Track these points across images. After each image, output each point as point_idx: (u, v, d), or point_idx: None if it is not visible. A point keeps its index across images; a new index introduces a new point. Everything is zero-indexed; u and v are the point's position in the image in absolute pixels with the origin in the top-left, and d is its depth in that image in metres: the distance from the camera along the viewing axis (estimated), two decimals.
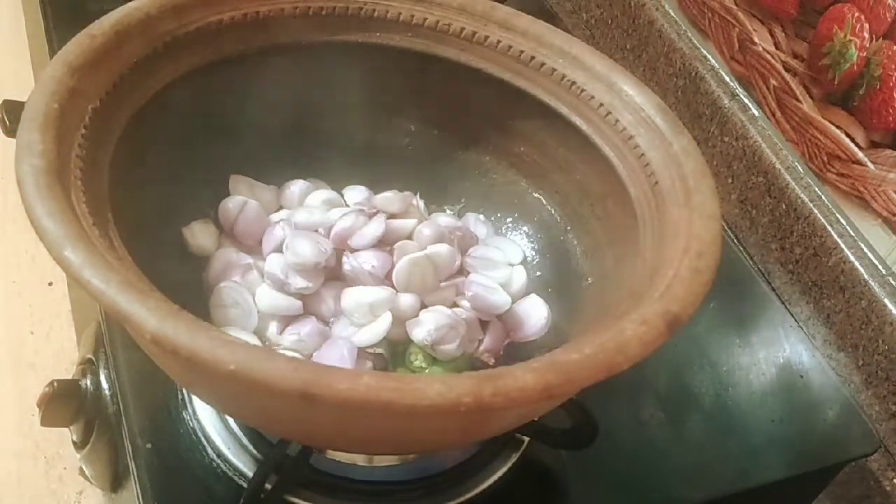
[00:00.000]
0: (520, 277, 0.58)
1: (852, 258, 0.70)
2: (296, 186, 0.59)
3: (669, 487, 0.58)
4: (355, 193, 0.60)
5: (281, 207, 0.59)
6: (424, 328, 0.52)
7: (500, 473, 0.55)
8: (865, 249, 0.69)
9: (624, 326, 0.40)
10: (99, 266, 0.37)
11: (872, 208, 0.69)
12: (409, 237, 0.57)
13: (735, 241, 0.79)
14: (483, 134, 0.60)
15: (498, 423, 0.45)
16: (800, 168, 0.75)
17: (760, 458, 0.61)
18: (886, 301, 0.67)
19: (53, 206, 0.39)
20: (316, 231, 0.55)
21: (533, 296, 0.57)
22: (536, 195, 0.59)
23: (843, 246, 0.70)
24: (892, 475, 0.68)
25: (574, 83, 0.54)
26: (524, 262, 0.59)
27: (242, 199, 0.56)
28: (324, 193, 0.59)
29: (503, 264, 0.58)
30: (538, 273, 0.59)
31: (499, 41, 0.56)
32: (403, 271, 0.54)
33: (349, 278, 0.54)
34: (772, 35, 0.76)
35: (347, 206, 0.59)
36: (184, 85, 0.51)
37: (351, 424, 0.41)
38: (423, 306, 0.54)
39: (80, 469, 0.62)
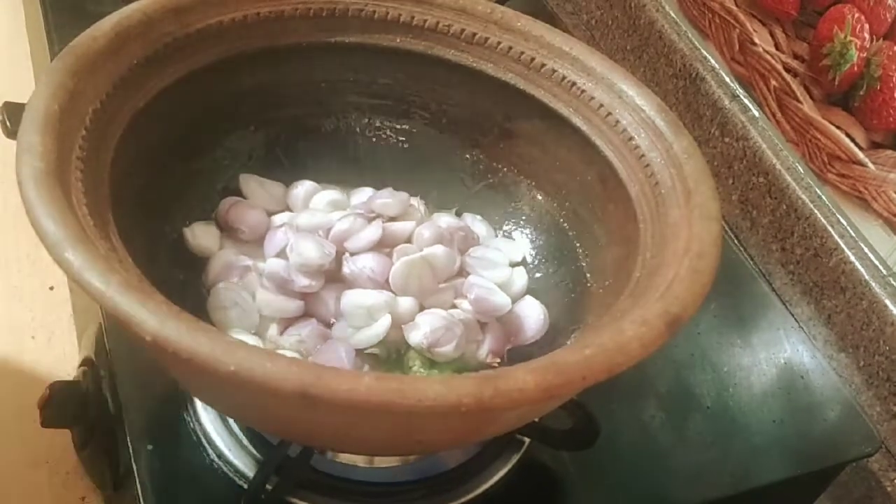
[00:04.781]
0: (520, 278, 0.58)
1: (853, 259, 0.70)
2: (301, 188, 0.59)
3: (670, 488, 0.58)
4: (363, 196, 0.60)
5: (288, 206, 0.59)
6: (420, 331, 0.52)
7: (500, 474, 0.55)
8: (866, 250, 0.69)
9: (624, 327, 0.40)
10: (99, 267, 0.37)
11: (873, 209, 0.69)
12: (409, 240, 0.57)
13: (736, 241, 0.79)
14: (483, 135, 0.60)
15: (498, 424, 0.45)
16: (800, 169, 0.75)
17: (761, 458, 0.61)
18: (887, 302, 0.67)
19: (54, 208, 0.39)
20: (318, 234, 0.55)
21: (528, 298, 0.57)
22: (536, 195, 0.59)
23: (843, 246, 0.70)
24: (893, 476, 0.68)
25: (574, 84, 0.55)
26: (524, 262, 0.59)
27: (234, 198, 0.56)
28: (330, 194, 0.59)
29: (503, 265, 0.58)
30: (538, 274, 0.59)
31: (499, 42, 0.56)
32: (400, 274, 0.54)
33: (349, 281, 0.54)
34: (772, 36, 0.76)
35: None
36: (184, 86, 0.51)
37: (351, 425, 0.41)
38: (423, 309, 0.54)
39: (82, 472, 0.62)
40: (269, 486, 0.51)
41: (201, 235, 0.55)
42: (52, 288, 0.73)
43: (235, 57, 0.53)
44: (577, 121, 0.55)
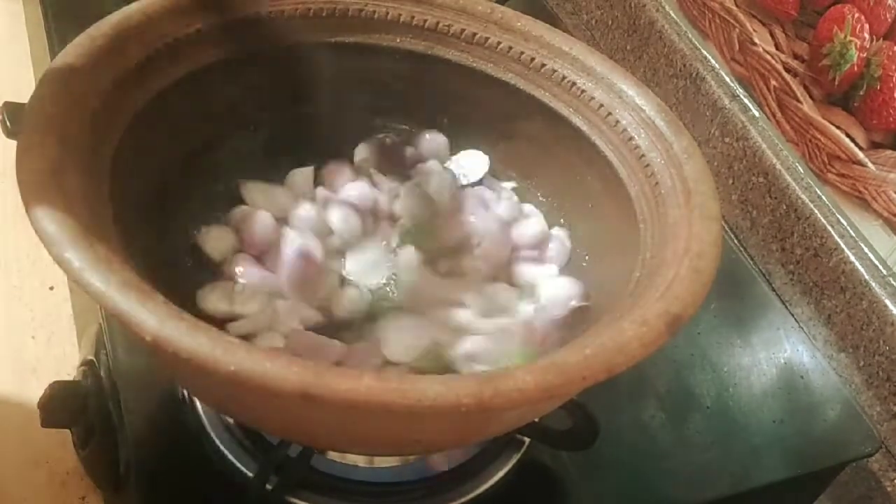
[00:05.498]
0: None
1: (853, 259, 0.70)
2: (300, 175, 0.58)
3: (670, 488, 0.58)
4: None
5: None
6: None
7: (500, 474, 0.55)
8: (866, 250, 0.70)
9: (624, 327, 0.40)
10: (100, 267, 0.37)
11: (873, 209, 0.69)
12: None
13: (735, 241, 0.79)
14: (483, 134, 0.60)
15: (498, 424, 0.45)
16: (800, 169, 0.75)
17: (761, 458, 0.61)
18: (887, 302, 0.67)
19: (54, 208, 0.39)
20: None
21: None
22: (537, 195, 0.59)
23: (843, 246, 0.70)
24: (893, 476, 0.68)
25: (574, 84, 0.55)
26: None
27: (249, 209, 0.56)
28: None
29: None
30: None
31: (499, 42, 0.56)
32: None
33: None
34: (772, 36, 0.76)
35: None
36: (184, 87, 0.51)
37: (352, 425, 0.41)
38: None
39: (82, 472, 0.62)
40: (269, 486, 0.51)
41: (216, 239, 0.55)
42: (52, 288, 0.73)
43: (235, 57, 0.53)
44: (577, 121, 0.55)
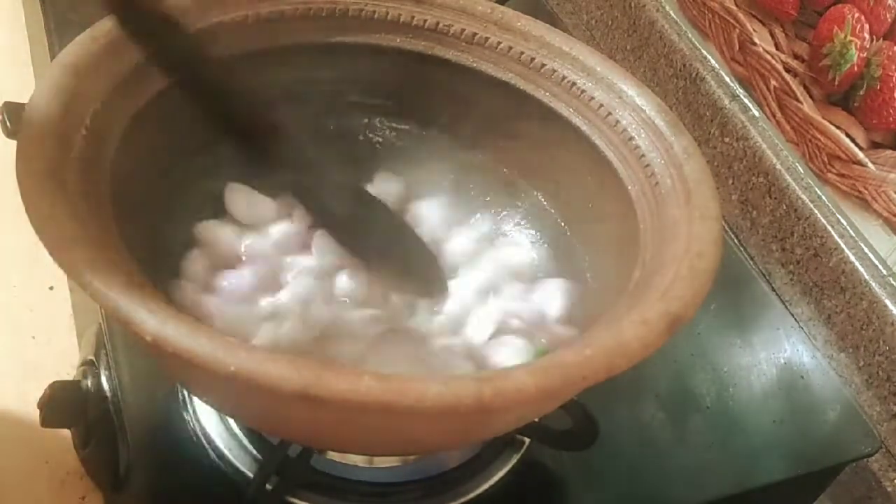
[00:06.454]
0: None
1: (853, 259, 0.70)
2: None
3: (670, 488, 0.58)
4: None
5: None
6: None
7: (500, 474, 0.55)
8: (866, 250, 0.70)
9: (624, 327, 0.40)
10: (100, 268, 0.37)
11: (873, 209, 0.69)
12: None
13: (735, 241, 0.79)
14: (483, 135, 0.60)
15: (498, 424, 0.45)
16: (800, 169, 0.75)
17: (761, 458, 0.61)
18: (887, 302, 0.67)
19: (54, 208, 0.39)
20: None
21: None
22: (537, 195, 0.59)
23: (843, 246, 0.70)
24: (893, 476, 0.68)
25: (574, 84, 0.54)
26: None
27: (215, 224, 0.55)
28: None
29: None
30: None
31: (499, 42, 0.56)
32: None
33: None
34: (772, 36, 0.76)
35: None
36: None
37: (351, 425, 0.41)
38: None
39: (82, 472, 0.62)
40: (269, 486, 0.51)
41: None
42: (52, 288, 0.73)
43: (235, 57, 0.53)
44: (577, 121, 0.55)
